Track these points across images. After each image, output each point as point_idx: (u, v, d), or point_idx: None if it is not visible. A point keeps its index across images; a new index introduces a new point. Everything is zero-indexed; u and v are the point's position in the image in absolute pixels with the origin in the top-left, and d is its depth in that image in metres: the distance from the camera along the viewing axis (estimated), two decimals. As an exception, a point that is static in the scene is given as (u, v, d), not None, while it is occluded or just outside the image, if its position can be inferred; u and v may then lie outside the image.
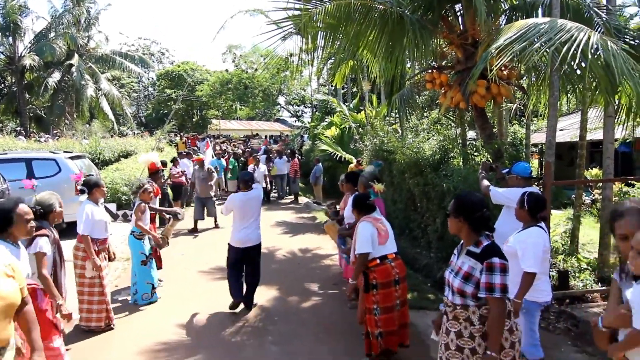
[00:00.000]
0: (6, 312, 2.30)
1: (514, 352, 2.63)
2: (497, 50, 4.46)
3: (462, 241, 2.84)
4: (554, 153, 5.45)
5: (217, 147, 17.73)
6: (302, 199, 15.15)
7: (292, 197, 15.22)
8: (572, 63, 4.89)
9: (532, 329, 3.59)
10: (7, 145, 15.14)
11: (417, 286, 6.24)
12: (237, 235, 5.46)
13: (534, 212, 3.57)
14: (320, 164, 13.91)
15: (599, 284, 5.73)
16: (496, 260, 2.57)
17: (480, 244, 2.65)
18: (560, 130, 14.89)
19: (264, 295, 6.14)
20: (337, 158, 13.26)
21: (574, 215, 6.77)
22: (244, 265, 5.55)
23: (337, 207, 6.83)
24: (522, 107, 8.87)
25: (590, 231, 8.13)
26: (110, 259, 5.29)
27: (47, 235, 3.76)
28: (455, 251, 2.87)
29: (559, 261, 6.05)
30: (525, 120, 10.02)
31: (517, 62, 5.61)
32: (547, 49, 4.36)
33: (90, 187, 5.14)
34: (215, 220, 10.79)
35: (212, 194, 10.89)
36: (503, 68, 5.60)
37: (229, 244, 5.59)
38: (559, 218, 7.64)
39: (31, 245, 3.62)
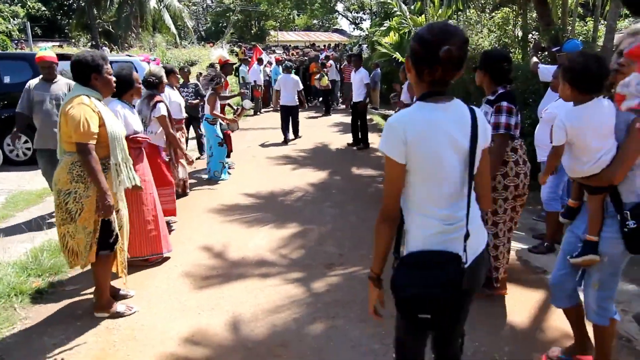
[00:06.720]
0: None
1: (518, 180, 2.96)
2: None
3: None
4: (613, 38, 5.37)
5: (277, 56, 17.83)
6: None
7: (345, 104, 15.03)
8: None
9: (558, 184, 3.92)
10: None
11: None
12: (283, 99, 9.61)
13: (574, 80, 3.75)
14: (378, 69, 13.89)
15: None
16: (504, 103, 2.85)
17: (496, 93, 2.93)
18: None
19: (322, 175, 6.89)
20: (395, 63, 13.16)
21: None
22: (290, 117, 9.58)
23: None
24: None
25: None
26: (186, 139, 6.15)
27: (163, 101, 4.52)
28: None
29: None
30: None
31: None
32: None
33: (167, 73, 5.82)
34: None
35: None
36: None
37: (279, 105, 9.83)
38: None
39: (154, 110, 4.41)
